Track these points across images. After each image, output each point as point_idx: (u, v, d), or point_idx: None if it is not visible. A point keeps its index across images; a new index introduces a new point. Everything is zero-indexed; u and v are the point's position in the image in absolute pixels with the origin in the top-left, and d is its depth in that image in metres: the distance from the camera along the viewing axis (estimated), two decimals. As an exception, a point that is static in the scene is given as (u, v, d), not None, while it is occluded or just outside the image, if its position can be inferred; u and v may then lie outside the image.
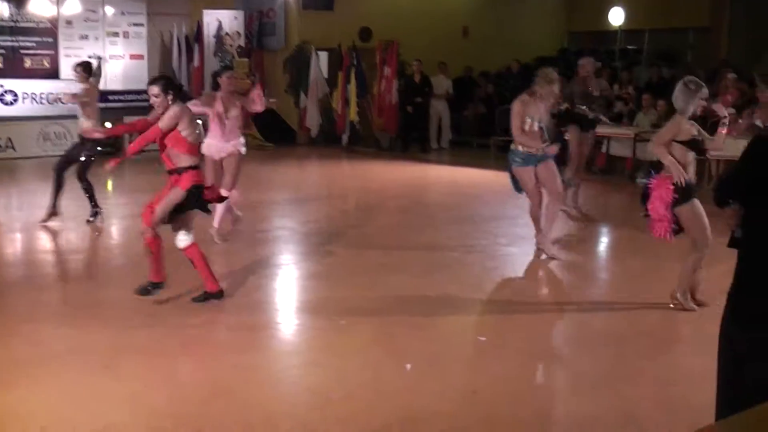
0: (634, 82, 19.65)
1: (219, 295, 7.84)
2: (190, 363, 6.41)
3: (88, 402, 5.69)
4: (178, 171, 7.62)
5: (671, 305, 7.78)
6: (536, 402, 5.90)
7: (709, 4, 23.37)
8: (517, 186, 9.93)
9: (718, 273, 8.61)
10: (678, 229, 7.60)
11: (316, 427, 5.32)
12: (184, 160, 7.62)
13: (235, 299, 8.09)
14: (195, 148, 7.81)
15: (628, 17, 23.60)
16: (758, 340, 3.72)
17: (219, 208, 10.28)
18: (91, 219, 11.65)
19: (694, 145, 7.56)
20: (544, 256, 9.82)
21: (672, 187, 7.43)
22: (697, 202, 7.55)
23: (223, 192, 9.64)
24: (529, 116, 9.58)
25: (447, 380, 6.12)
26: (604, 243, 11.64)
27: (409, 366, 6.30)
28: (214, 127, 10.34)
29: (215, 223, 10.45)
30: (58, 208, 11.58)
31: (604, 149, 16.80)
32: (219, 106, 10.25)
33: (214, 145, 10.31)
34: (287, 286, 9.03)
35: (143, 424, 5.35)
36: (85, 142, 11.56)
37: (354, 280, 8.88)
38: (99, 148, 11.78)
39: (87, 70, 11.83)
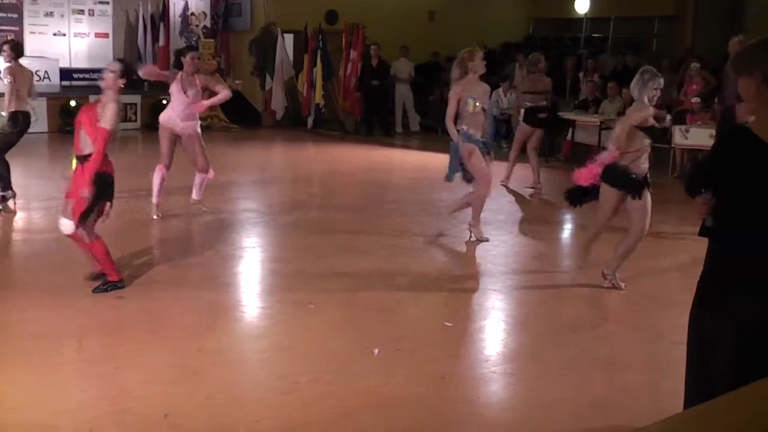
0: (600, 70, 19.77)
1: (120, 284, 7.70)
2: (157, 345, 6.41)
3: (58, 383, 5.69)
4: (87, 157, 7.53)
5: (603, 284, 8.14)
6: (504, 387, 5.97)
7: (675, -8, 23.55)
8: (455, 171, 10.03)
9: (684, 262, 8.77)
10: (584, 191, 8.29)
11: (284, 411, 5.36)
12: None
13: (201, 282, 8.10)
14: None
15: (594, 5, 23.72)
16: (726, 329, 3.80)
17: (197, 182, 11.01)
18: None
19: (650, 132, 7.85)
20: (473, 238, 10.06)
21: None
22: (647, 193, 7.86)
23: (202, 174, 10.82)
24: (471, 97, 9.64)
25: (415, 365, 6.16)
26: (568, 230, 11.72)
27: (377, 350, 6.33)
28: (174, 102, 10.63)
29: (196, 196, 11.13)
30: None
31: (569, 137, 16.90)
32: (178, 85, 10.54)
33: (173, 118, 10.62)
34: (253, 268, 9.03)
35: (112, 405, 5.36)
36: (11, 121, 11.38)
37: (320, 263, 8.90)
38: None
39: (15, 50, 11.60)
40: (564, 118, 16.56)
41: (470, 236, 10.14)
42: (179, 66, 10.68)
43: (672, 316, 7.11)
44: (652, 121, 7.82)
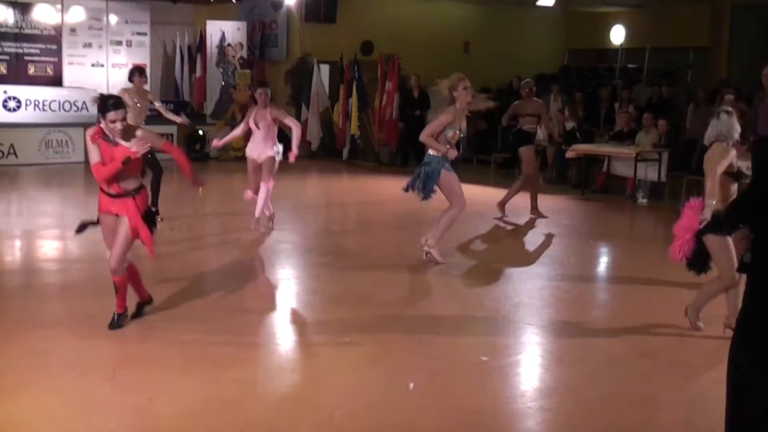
0: (635, 101, 19.68)
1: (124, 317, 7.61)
2: (192, 376, 6.40)
3: (91, 413, 5.69)
4: (131, 193, 7.40)
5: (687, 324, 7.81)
6: (539, 423, 5.90)
7: (709, 23, 23.46)
8: (429, 192, 10.30)
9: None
10: (696, 256, 7.39)
11: (318, 444, 5.33)
12: (135, 182, 7.50)
13: (236, 313, 8.10)
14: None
15: (629, 35, 23.67)
16: (765, 365, 3.73)
17: (260, 199, 11.74)
18: None
19: (736, 176, 7.31)
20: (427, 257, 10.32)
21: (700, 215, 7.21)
22: (728, 237, 7.12)
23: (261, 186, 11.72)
24: (456, 128, 10.14)
25: (450, 399, 6.12)
26: (603, 263, 11.64)
27: (411, 385, 6.30)
28: (253, 135, 11.81)
29: (257, 213, 11.85)
30: None
31: (604, 168, 16.82)
32: (252, 119, 11.69)
33: (254, 149, 11.78)
34: (288, 300, 9.02)
35: (146, 438, 5.36)
36: None
37: (355, 296, 8.88)
38: None
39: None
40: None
41: (425, 255, 10.35)
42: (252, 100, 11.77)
43: (711, 353, 7.03)
44: (737, 164, 7.29)
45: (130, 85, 12.51)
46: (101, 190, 7.43)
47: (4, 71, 21.62)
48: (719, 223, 6.60)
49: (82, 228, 7.77)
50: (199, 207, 14.17)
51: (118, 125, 7.15)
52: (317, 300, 8.87)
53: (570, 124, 18.24)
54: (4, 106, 19.81)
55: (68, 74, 22.50)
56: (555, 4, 18.25)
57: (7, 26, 21.68)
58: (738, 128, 7.34)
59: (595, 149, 16.79)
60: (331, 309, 8.43)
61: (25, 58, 21.95)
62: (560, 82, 22.60)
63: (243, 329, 7.63)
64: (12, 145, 18.72)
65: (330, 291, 9.17)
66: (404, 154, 21.24)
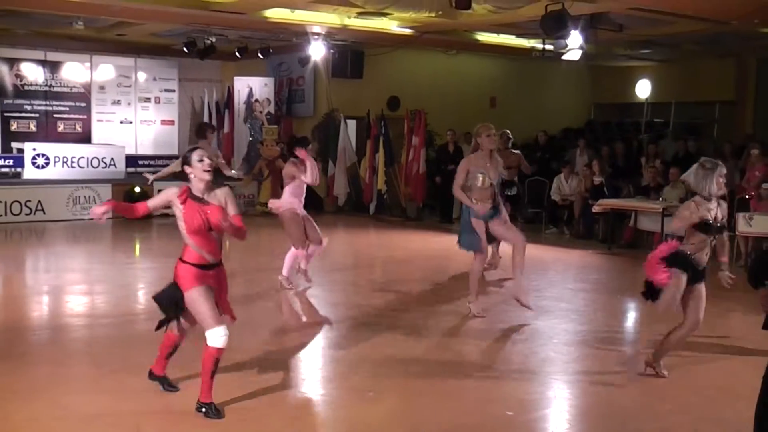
0: (661, 156, 19.65)
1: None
2: (217, 430, 6.38)
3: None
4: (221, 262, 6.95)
5: (645, 370, 8.10)
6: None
7: (735, 77, 23.49)
8: (470, 243, 10.39)
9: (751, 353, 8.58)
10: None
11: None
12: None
13: (260, 366, 8.08)
14: None
15: (655, 90, 23.69)
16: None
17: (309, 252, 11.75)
18: None
19: (704, 228, 7.60)
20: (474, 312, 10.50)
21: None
22: (701, 286, 7.70)
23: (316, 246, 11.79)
24: (480, 172, 10.17)
25: (474, 455, 6.07)
26: (630, 318, 11.56)
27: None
28: (296, 189, 11.58)
29: (304, 266, 11.87)
30: None
31: (631, 223, 16.76)
32: (300, 174, 11.47)
33: (296, 203, 11.60)
34: (313, 354, 8.99)
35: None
36: None
37: (379, 350, 8.83)
38: None
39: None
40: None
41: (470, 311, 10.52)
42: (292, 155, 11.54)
43: (740, 409, 6.93)
44: (711, 216, 7.62)
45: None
46: (189, 262, 6.78)
47: (34, 128, 21.92)
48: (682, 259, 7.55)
49: (161, 325, 7.16)
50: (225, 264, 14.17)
51: (208, 176, 6.67)
52: (341, 354, 8.84)
53: (597, 179, 18.21)
54: (33, 163, 20.01)
55: (97, 131, 22.81)
56: (581, 58, 18.26)
57: (36, 84, 22.03)
58: (713, 185, 7.56)
59: (622, 204, 16.74)
60: (356, 363, 8.39)
61: (55, 115, 22.29)
62: (586, 137, 22.63)
63: (266, 383, 7.61)
64: (40, 202, 18.86)
65: (354, 345, 9.13)
66: (431, 208, 21.23)
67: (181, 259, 6.79)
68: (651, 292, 7.85)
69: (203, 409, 6.63)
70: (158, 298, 6.99)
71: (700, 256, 7.69)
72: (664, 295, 7.68)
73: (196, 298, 6.63)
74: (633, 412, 7.18)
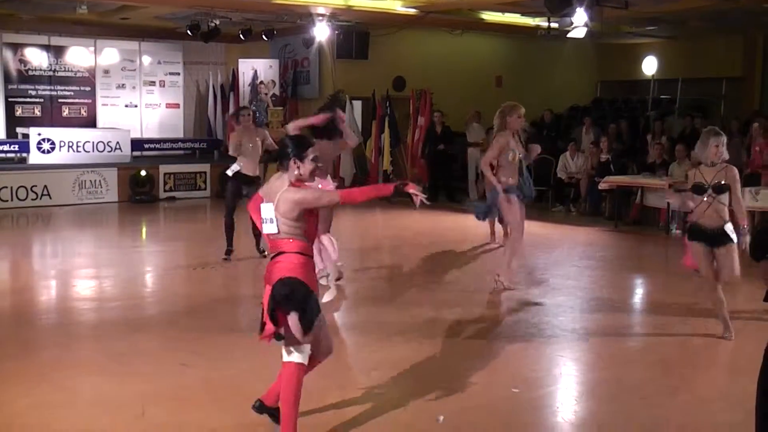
0: (667, 133, 19.58)
1: None
2: (222, 414, 6.37)
3: (120, 452, 5.69)
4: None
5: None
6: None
7: (742, 54, 23.37)
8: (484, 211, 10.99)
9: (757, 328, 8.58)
10: None
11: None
12: None
13: (266, 350, 8.06)
14: None
15: (661, 67, 23.58)
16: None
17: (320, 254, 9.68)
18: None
19: (697, 190, 8.18)
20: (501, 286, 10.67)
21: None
22: (693, 245, 8.31)
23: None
24: (514, 149, 10.37)
25: (480, 433, 6.08)
26: (637, 295, 11.54)
27: (441, 418, 6.25)
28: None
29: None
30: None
31: (637, 200, 16.72)
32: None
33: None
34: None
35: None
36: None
37: (386, 330, 8.81)
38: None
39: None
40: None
41: (497, 285, 10.63)
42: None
43: (746, 384, 6.92)
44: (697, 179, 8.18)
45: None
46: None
47: (39, 113, 21.90)
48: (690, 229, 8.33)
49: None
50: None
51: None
52: (348, 336, 8.85)
53: (604, 156, 18.17)
54: (38, 148, 19.97)
55: (102, 115, 22.79)
56: (586, 36, 18.17)
57: (41, 69, 22.00)
58: (708, 151, 8.11)
59: (628, 181, 16.69)
60: (362, 345, 8.41)
61: (59, 100, 22.26)
62: (592, 115, 22.55)
63: (274, 363, 7.58)
64: (46, 187, 18.82)
65: (361, 327, 9.14)
66: (433, 190, 21.21)
67: (301, 253, 5.66)
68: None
69: None
70: (293, 298, 5.58)
71: (705, 220, 8.12)
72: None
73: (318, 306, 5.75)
74: (639, 388, 7.17)
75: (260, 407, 6.06)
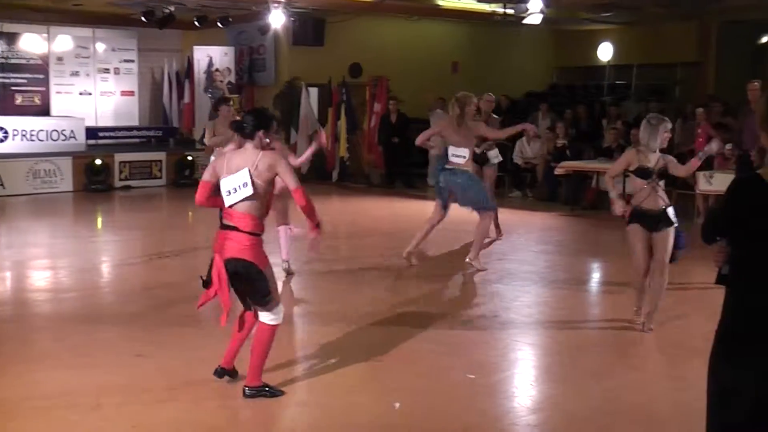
0: (623, 117, 19.74)
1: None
2: (177, 403, 6.35)
3: (75, 443, 5.66)
4: None
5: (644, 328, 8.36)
6: (525, 440, 5.89)
7: (697, 39, 23.55)
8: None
9: (709, 309, 8.67)
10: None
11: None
12: None
13: (222, 337, 8.05)
14: None
15: (616, 52, 23.75)
16: (746, 378, 3.75)
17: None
18: None
19: (642, 174, 8.22)
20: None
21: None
22: (632, 227, 8.31)
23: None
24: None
25: (437, 418, 6.10)
26: (592, 279, 11.64)
27: (398, 405, 6.28)
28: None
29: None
30: None
31: (593, 184, 16.84)
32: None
33: None
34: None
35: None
36: None
37: (342, 315, 8.82)
38: None
39: None
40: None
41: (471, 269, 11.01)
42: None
43: (698, 365, 6.98)
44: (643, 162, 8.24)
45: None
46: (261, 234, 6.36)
47: (-10, 102, 21.67)
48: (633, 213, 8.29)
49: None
50: (188, 235, 14.11)
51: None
52: (304, 322, 8.85)
53: (560, 142, 18.28)
54: (-9, 137, 19.76)
55: (56, 103, 22.57)
56: (542, 22, 18.27)
57: (-7, 56, 21.75)
58: (657, 139, 8.16)
59: (584, 166, 16.81)
60: (319, 330, 8.39)
61: (12, 88, 22.01)
62: (549, 100, 22.67)
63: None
64: (-1, 176, 18.65)
65: (317, 312, 9.15)
66: (389, 176, 21.25)
67: (252, 233, 6.25)
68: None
69: (267, 391, 6.44)
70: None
71: (647, 203, 8.16)
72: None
73: (272, 275, 6.39)
74: (594, 371, 7.25)
75: (221, 372, 6.69)
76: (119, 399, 6.44)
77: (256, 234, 6.21)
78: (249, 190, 6.11)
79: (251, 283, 6.22)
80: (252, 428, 6.02)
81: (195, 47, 23.17)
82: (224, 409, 6.23)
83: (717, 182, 14.42)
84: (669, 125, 8.21)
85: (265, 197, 6.29)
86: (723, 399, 3.86)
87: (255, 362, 6.40)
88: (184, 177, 20.55)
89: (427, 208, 13.43)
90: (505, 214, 14.01)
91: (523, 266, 11.57)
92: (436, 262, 11.85)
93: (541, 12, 17.30)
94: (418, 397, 6.53)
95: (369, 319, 8.76)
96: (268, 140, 6.30)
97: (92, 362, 7.28)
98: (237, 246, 6.14)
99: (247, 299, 6.46)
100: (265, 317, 6.35)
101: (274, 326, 6.37)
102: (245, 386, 6.45)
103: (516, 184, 19.42)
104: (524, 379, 7.18)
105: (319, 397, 6.60)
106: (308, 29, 21.92)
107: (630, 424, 6.10)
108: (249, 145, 6.29)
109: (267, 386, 6.45)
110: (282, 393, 6.47)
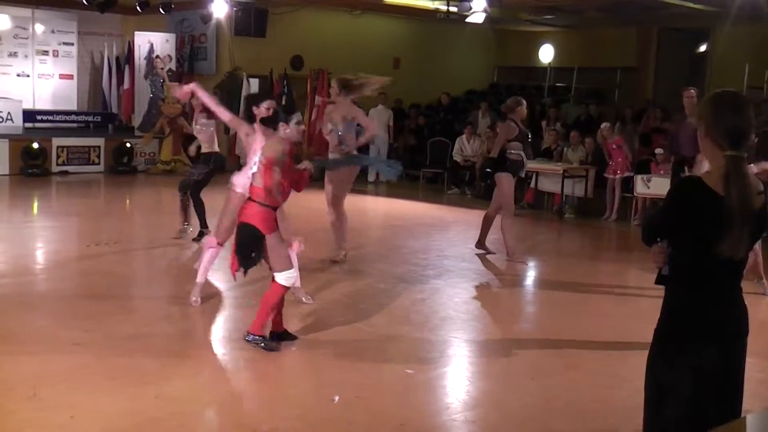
0: (563, 119, 19.95)
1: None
2: (115, 393, 6.30)
3: (11, 432, 5.59)
4: None
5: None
6: (463, 437, 5.94)
7: (637, 44, 23.89)
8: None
9: (645, 309, 8.81)
10: None
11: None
12: None
13: (161, 328, 8.03)
14: None
15: (558, 55, 23.96)
16: (683, 375, 3.83)
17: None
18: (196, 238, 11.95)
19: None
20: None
21: None
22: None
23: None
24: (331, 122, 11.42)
25: (375, 413, 6.12)
26: (530, 277, 11.74)
27: (336, 398, 6.30)
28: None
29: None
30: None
31: (532, 184, 16.99)
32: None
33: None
34: (213, 315, 8.90)
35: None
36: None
37: (283, 311, 8.82)
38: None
39: None
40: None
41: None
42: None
43: (634, 363, 7.12)
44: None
45: None
46: (271, 206, 7.33)
47: (-75, 82, 21.26)
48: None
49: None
50: (125, 222, 13.98)
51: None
52: (242, 314, 8.80)
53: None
54: (-74, 118, 19.39)
55: (-8, 83, 22.21)
56: (485, 21, 18.37)
57: (-73, 34, 21.34)
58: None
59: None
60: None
61: (-53, 67, 21.62)
62: (489, 99, 22.82)
63: (168, 343, 7.56)
64: (-63, 158, 18.31)
65: (255, 305, 9.11)
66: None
67: (260, 203, 7.24)
68: None
69: (262, 344, 7.29)
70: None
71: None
72: None
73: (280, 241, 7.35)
74: (531, 369, 7.34)
75: (278, 336, 7.53)
76: (56, 388, 6.37)
77: (264, 204, 7.20)
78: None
79: (245, 246, 7.24)
80: (192, 422, 5.97)
81: (136, 32, 22.92)
82: (162, 400, 6.18)
83: (654, 186, 14.66)
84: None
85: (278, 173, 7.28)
86: (661, 398, 3.94)
87: (260, 313, 7.31)
88: (122, 164, 20.35)
89: (372, 203, 13.46)
90: (443, 211, 14.17)
91: (462, 263, 11.65)
92: (371, 258, 11.88)
93: (485, 11, 17.40)
94: (357, 391, 6.54)
95: (307, 313, 8.74)
96: (286, 131, 7.46)
97: (27, 350, 7.18)
98: (248, 212, 7.26)
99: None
100: (278, 277, 7.25)
101: (284, 286, 7.29)
102: (248, 331, 7.34)
103: (454, 181, 19.54)
104: (462, 375, 7.23)
105: (257, 390, 6.61)
106: (251, 19, 21.79)
107: (566, 422, 6.18)
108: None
109: (265, 339, 7.31)
110: (277, 349, 7.30)
